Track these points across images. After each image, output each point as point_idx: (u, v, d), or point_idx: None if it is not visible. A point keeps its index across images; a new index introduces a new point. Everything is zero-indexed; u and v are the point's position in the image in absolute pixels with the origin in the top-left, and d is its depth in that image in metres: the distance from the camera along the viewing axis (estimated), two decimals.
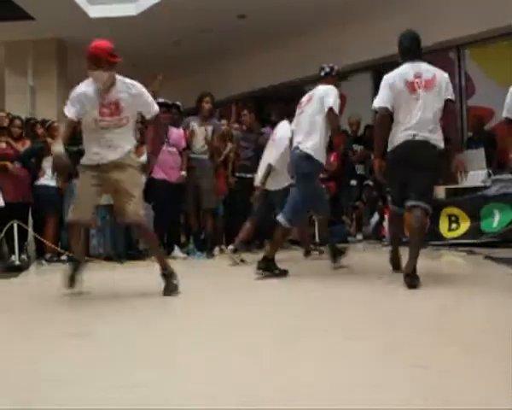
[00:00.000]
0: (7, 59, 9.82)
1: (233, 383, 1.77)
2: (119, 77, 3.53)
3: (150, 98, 3.64)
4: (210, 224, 6.40)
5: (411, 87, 3.65)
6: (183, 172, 6.23)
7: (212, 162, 6.48)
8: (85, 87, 3.51)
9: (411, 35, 3.89)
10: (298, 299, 3.47)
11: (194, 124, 6.43)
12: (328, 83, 4.48)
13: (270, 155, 5.37)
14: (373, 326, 2.55)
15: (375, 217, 7.71)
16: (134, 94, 3.52)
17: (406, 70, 3.73)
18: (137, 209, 3.50)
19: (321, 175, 7.57)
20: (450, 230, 6.29)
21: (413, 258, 3.47)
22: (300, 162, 4.32)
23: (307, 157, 4.27)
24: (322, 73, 4.60)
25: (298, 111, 4.53)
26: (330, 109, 4.24)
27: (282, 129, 5.35)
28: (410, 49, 3.82)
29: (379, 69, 9.18)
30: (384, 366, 1.90)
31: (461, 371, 1.81)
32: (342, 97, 9.61)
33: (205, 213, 6.39)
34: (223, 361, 2.04)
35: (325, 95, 4.31)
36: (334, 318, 2.81)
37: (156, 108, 3.66)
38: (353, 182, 7.89)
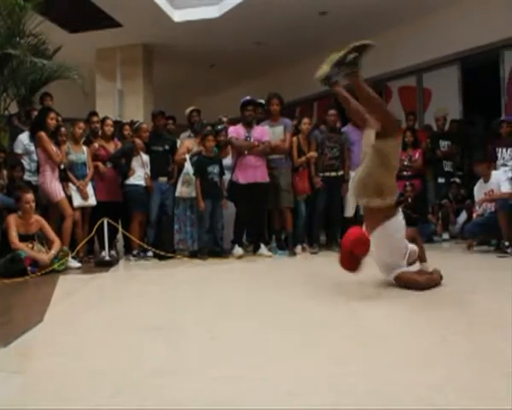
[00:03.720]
0: (97, 64, 10.37)
1: None
2: None
3: None
4: (290, 222, 6.40)
5: None
6: None
7: (289, 162, 6.45)
8: None
9: None
10: None
11: (266, 126, 6.42)
12: None
13: None
14: None
15: (463, 216, 7.37)
16: None
17: None
18: None
19: (404, 173, 7.46)
20: None
21: None
22: None
23: None
24: None
25: None
26: None
27: None
28: None
29: (467, 61, 8.76)
30: None
31: None
32: (427, 91, 9.35)
33: (284, 211, 6.38)
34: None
35: None
36: None
37: None
38: (441, 179, 7.57)
